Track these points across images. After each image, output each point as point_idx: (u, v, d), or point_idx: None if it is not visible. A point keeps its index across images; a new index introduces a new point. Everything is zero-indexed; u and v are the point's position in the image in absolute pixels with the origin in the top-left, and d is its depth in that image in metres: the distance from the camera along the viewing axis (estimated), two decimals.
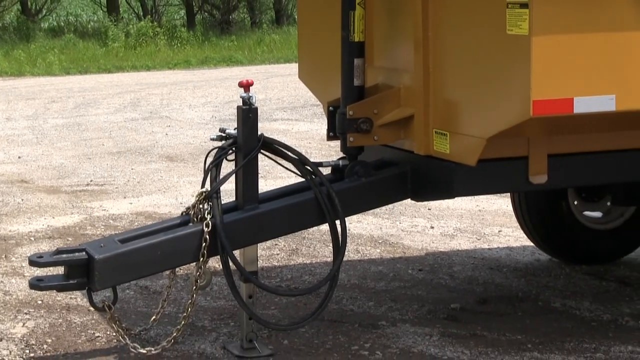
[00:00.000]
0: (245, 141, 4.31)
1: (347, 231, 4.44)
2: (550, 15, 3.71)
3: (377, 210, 6.55)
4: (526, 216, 5.78)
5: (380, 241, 6.43)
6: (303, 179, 4.44)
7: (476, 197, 7.21)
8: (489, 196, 7.30)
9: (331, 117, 4.67)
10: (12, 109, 13.51)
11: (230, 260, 4.23)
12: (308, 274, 5.72)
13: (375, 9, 4.54)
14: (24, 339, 4.63)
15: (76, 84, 16.82)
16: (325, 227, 4.47)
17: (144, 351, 4.28)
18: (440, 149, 4.25)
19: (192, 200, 4.35)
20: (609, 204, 5.73)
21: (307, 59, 5.33)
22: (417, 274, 5.70)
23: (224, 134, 4.40)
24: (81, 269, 4.15)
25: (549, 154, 4.24)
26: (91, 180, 8.52)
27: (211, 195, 4.26)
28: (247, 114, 4.31)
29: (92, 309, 4.44)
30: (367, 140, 4.46)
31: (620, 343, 4.54)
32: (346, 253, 4.77)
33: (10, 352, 4.46)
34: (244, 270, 4.31)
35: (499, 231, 6.66)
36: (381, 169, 4.53)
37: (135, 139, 10.86)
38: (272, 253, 6.12)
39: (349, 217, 4.51)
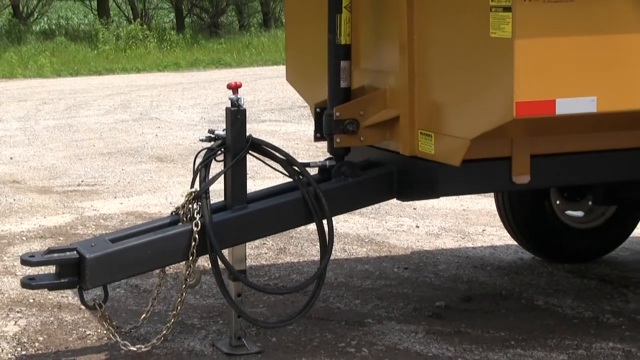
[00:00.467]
0: (234, 142, 4.30)
1: (334, 230, 4.44)
2: (532, 19, 3.72)
3: (364, 209, 6.55)
4: (509, 215, 5.79)
5: (366, 240, 6.44)
6: (291, 179, 4.44)
7: (460, 196, 7.22)
8: (473, 196, 7.31)
9: (318, 118, 4.67)
10: (4, 111, 13.47)
11: (219, 259, 4.23)
12: (296, 272, 5.71)
13: (362, 12, 4.54)
14: (16, 337, 4.62)
15: (67, 86, 16.78)
16: (312, 226, 4.47)
17: (134, 348, 4.28)
18: (425, 149, 4.26)
19: (182, 200, 4.35)
20: (590, 203, 5.74)
21: (295, 61, 5.33)
22: (403, 272, 5.71)
23: (212, 135, 4.40)
24: (72, 268, 4.14)
25: (531, 155, 4.25)
26: (82, 181, 8.50)
27: (200, 195, 4.25)
28: (236, 115, 4.30)
29: (83, 307, 4.42)
30: (354, 141, 4.46)
31: (601, 340, 4.56)
32: (333, 252, 4.76)
33: (2, 350, 4.45)
34: (233, 269, 4.30)
35: (483, 230, 6.67)
36: (367, 169, 4.54)
37: (125, 140, 10.84)
38: (260, 252, 6.11)
39: (336, 217, 4.51)
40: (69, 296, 5.16)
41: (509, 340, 4.56)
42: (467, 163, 4.11)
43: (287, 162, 4.42)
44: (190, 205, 4.27)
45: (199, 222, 4.20)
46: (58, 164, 9.39)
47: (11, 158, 9.70)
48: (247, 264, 4.49)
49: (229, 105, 4.33)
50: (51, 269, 4.26)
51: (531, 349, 4.44)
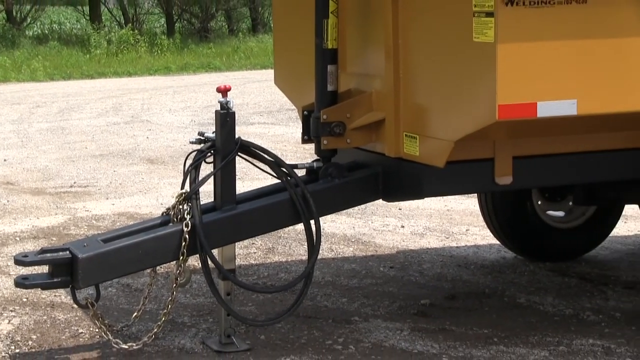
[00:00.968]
0: (223, 144, 4.30)
1: (322, 230, 4.44)
2: (514, 24, 3.73)
3: (350, 210, 6.56)
4: (492, 216, 5.79)
5: (353, 240, 6.44)
6: (279, 181, 4.44)
7: (445, 197, 7.22)
8: (457, 196, 7.32)
9: (306, 121, 4.67)
10: None
11: (209, 259, 4.22)
12: (284, 271, 5.71)
13: (348, 18, 4.54)
14: (10, 335, 4.60)
15: (60, 90, 16.73)
16: (300, 226, 4.47)
17: (126, 346, 4.26)
18: (410, 151, 4.26)
19: (172, 201, 4.34)
20: (570, 203, 5.76)
21: (283, 65, 5.32)
22: (389, 271, 5.71)
23: (202, 138, 4.39)
24: (65, 267, 4.13)
25: (513, 156, 4.25)
26: (75, 182, 8.48)
27: (190, 196, 4.24)
28: (225, 118, 4.30)
29: (75, 306, 4.41)
30: (340, 143, 4.46)
31: (581, 336, 4.57)
32: (320, 251, 4.76)
33: None
34: (222, 268, 4.30)
35: (467, 230, 6.68)
36: (354, 170, 4.54)
37: (117, 142, 10.81)
38: (249, 252, 6.11)
39: (323, 217, 4.51)
40: (62, 295, 5.15)
41: (492, 337, 4.56)
42: (451, 164, 4.12)
43: (276, 164, 4.42)
44: (180, 206, 4.27)
45: (189, 222, 4.19)
46: (51, 165, 9.36)
47: (5, 160, 9.67)
48: (236, 264, 4.49)
49: (219, 108, 4.32)
50: (44, 269, 4.24)
51: (513, 346, 4.45)
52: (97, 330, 4.41)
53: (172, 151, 10.13)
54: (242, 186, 5.10)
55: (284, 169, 4.42)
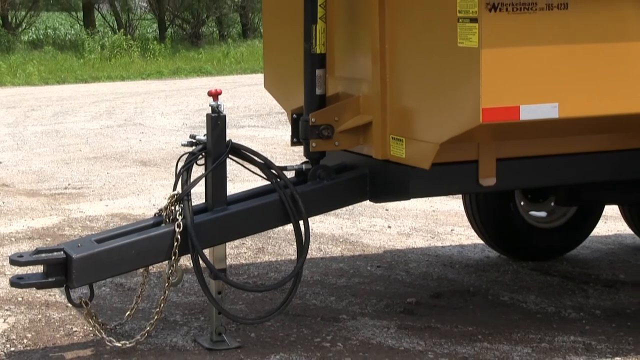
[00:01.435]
0: (214, 147, 4.29)
1: (310, 231, 4.43)
2: (497, 29, 3.73)
3: (338, 211, 6.55)
4: (477, 216, 5.80)
5: (341, 240, 6.43)
6: (269, 182, 4.44)
7: (430, 198, 7.23)
8: (442, 197, 7.33)
9: (295, 124, 4.67)
10: None
11: (200, 259, 4.21)
12: (274, 271, 5.70)
13: (336, 23, 4.54)
14: (5, 334, 4.58)
15: (54, 94, 16.68)
16: (289, 227, 4.46)
17: (119, 344, 4.25)
18: (396, 153, 4.26)
19: (165, 202, 4.33)
20: (552, 204, 5.77)
21: (272, 69, 5.32)
22: (376, 270, 5.71)
23: (194, 140, 4.39)
24: (59, 267, 4.11)
25: (497, 158, 4.26)
26: (69, 184, 8.45)
27: (182, 198, 4.24)
28: (216, 121, 4.30)
29: (69, 305, 4.40)
30: (329, 145, 4.46)
31: (563, 333, 4.58)
32: (309, 251, 4.76)
33: None
34: (214, 267, 4.29)
35: (452, 230, 6.69)
36: (342, 172, 4.54)
37: (110, 145, 10.78)
38: (239, 251, 6.10)
39: (312, 218, 4.50)
40: (56, 295, 5.13)
41: (476, 334, 4.57)
42: (436, 166, 4.12)
43: (265, 166, 4.42)
44: (172, 207, 4.26)
45: (181, 223, 4.19)
46: (46, 168, 9.33)
47: (0, 162, 9.63)
48: (227, 263, 4.48)
49: (210, 112, 4.32)
50: (39, 269, 4.23)
51: (497, 343, 4.45)
52: (91, 328, 4.39)
53: (165, 153, 10.11)
54: (233, 188, 5.09)
55: (274, 171, 4.42)
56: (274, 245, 6.26)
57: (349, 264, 5.85)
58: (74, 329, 4.65)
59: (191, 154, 4.34)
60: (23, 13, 27.54)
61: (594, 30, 3.86)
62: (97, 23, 28.05)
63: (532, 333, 4.58)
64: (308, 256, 4.79)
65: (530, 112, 3.83)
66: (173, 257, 4.20)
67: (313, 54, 4.44)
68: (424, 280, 5.50)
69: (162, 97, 15.94)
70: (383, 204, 7.05)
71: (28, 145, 10.87)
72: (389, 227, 6.80)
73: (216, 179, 4.32)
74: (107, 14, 29.45)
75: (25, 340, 4.51)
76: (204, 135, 4.35)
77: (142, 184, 8.44)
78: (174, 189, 4.30)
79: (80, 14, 28.79)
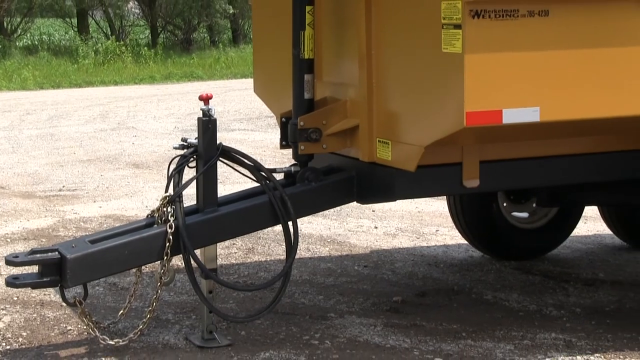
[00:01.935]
0: (205, 149, 4.29)
1: (299, 231, 4.43)
2: (481, 36, 3.74)
3: (326, 212, 6.55)
4: (461, 217, 5.81)
5: (329, 240, 6.43)
6: (258, 184, 4.43)
7: (416, 199, 7.24)
8: (427, 199, 7.33)
9: (284, 127, 4.66)
10: None
11: (191, 259, 4.21)
12: (263, 270, 5.70)
13: (324, 29, 4.54)
14: (1, 332, 4.56)
15: (49, 98, 16.63)
16: (279, 227, 4.46)
17: (113, 342, 4.24)
18: (382, 156, 4.26)
19: (157, 203, 4.32)
20: (534, 205, 5.78)
21: (262, 74, 5.32)
22: (363, 270, 5.71)
23: (185, 143, 4.38)
24: (54, 267, 4.10)
25: (480, 161, 4.26)
26: (63, 186, 8.42)
27: (174, 199, 4.23)
28: (207, 124, 4.29)
29: (64, 304, 4.38)
30: (317, 148, 4.46)
31: (544, 331, 4.58)
32: (298, 251, 4.76)
33: None
34: (205, 267, 4.29)
35: (437, 230, 6.70)
36: (330, 174, 4.53)
37: (104, 148, 10.76)
38: (230, 252, 6.09)
39: (300, 219, 4.50)
40: (51, 294, 5.11)
41: (461, 332, 4.57)
42: (421, 168, 4.12)
43: (255, 168, 4.41)
44: (164, 209, 4.25)
45: (172, 224, 4.18)
46: (41, 170, 9.30)
47: None
48: (218, 263, 4.47)
49: (201, 116, 4.31)
50: (34, 269, 4.21)
51: (481, 340, 4.46)
52: (85, 327, 4.38)
53: (157, 156, 10.09)
54: (223, 189, 5.08)
55: (263, 173, 4.41)
56: (264, 245, 6.25)
57: (336, 263, 5.85)
58: (69, 328, 4.63)
59: (183, 156, 4.33)
60: (18, 19, 27.46)
61: (574, 37, 3.87)
62: (90, 29, 27.98)
63: (515, 330, 4.59)
64: (297, 256, 4.79)
65: (512, 115, 3.84)
66: (165, 257, 4.19)
67: (301, 60, 4.44)
68: (409, 280, 5.51)
69: (155, 102, 15.90)
70: (370, 205, 7.05)
71: (23, 148, 10.84)
72: (376, 227, 6.80)
73: (207, 181, 4.31)
74: (100, 21, 29.38)
75: (20, 339, 4.49)
76: (196, 139, 4.35)
77: (134, 186, 8.42)
78: (166, 190, 4.29)
79: (75, 21, 28.71)
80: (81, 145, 11.03)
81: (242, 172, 4.46)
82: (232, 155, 4.41)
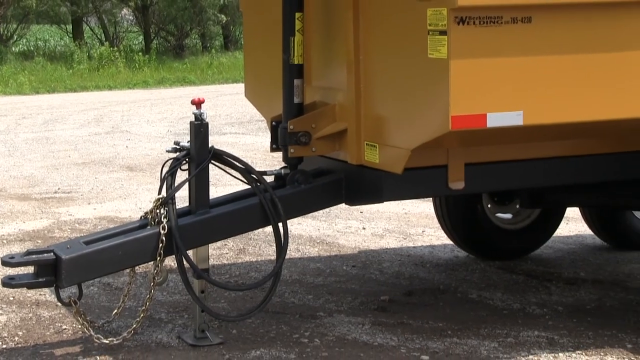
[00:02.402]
0: (198, 153, 4.28)
1: (289, 232, 4.43)
2: (465, 42, 3.74)
3: (316, 213, 6.55)
4: (446, 218, 5.81)
5: (318, 241, 6.43)
6: (249, 186, 4.43)
7: (402, 201, 7.24)
8: (414, 200, 7.34)
9: (274, 131, 4.66)
10: None
11: (184, 259, 4.20)
12: (254, 270, 5.69)
13: (313, 35, 4.54)
14: None
15: (45, 102, 16.58)
16: (269, 228, 4.46)
17: (107, 341, 4.23)
18: (370, 159, 4.27)
19: (150, 205, 4.31)
20: (517, 206, 5.79)
21: (253, 79, 5.31)
22: (351, 269, 5.71)
23: (178, 146, 4.37)
24: (49, 268, 4.09)
25: (465, 163, 4.27)
26: (59, 189, 8.40)
27: (167, 201, 4.22)
28: (199, 128, 4.28)
29: (59, 304, 4.36)
30: (306, 151, 4.45)
31: (527, 328, 4.59)
32: (288, 252, 4.75)
33: None
34: (197, 267, 4.28)
35: (423, 231, 6.70)
36: (319, 177, 4.53)
37: (98, 151, 10.73)
38: (222, 252, 6.08)
39: (290, 220, 4.50)
40: (46, 294, 5.09)
41: (446, 330, 4.58)
42: (408, 171, 4.13)
43: (246, 171, 4.41)
44: (157, 210, 4.24)
45: (165, 225, 4.17)
46: (36, 173, 9.27)
47: None
48: (209, 263, 4.46)
49: (193, 120, 4.30)
50: (30, 269, 4.20)
51: (466, 338, 4.46)
52: (79, 326, 4.36)
53: (150, 159, 10.07)
54: (215, 191, 5.07)
55: (254, 176, 4.41)
56: (255, 246, 6.25)
57: (325, 263, 5.85)
58: (64, 327, 4.62)
59: (175, 159, 4.32)
60: (14, 26, 27.37)
61: (556, 42, 3.88)
62: (85, 35, 27.92)
63: (499, 328, 4.59)
64: (287, 256, 4.79)
65: (496, 119, 3.84)
66: (158, 258, 4.18)
67: (291, 65, 4.44)
68: (396, 279, 5.51)
69: (148, 106, 15.87)
70: (358, 206, 7.05)
71: (19, 151, 10.80)
72: (364, 228, 6.80)
73: (199, 183, 4.30)
74: (95, 27, 29.32)
75: (16, 338, 4.47)
76: (188, 142, 4.34)
77: (128, 189, 8.40)
78: (159, 193, 4.28)
79: (70, 27, 28.64)
80: (76, 148, 11.00)
81: (233, 174, 4.46)
82: (224, 158, 4.40)
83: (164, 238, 4.16)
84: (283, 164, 4.57)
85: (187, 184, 4.31)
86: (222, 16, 26.68)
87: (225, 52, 26.70)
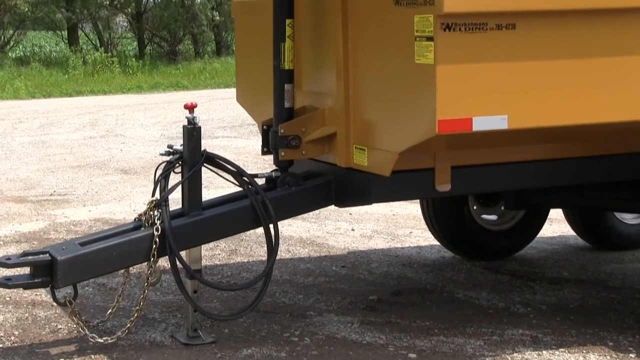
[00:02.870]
0: (190, 156, 4.27)
1: (280, 233, 4.42)
2: (452, 47, 3.75)
3: (306, 215, 6.55)
4: (433, 219, 5.82)
5: (308, 242, 6.43)
6: (241, 189, 4.42)
7: (390, 203, 7.24)
8: (401, 202, 7.34)
9: (265, 134, 4.65)
10: None
11: (177, 260, 4.19)
12: (246, 271, 5.68)
13: (303, 41, 4.54)
14: None
15: (41, 107, 16.53)
16: (260, 230, 4.45)
17: (102, 340, 4.22)
18: (359, 162, 4.27)
19: (144, 207, 4.30)
20: (502, 208, 5.80)
21: (244, 84, 5.31)
22: (340, 270, 5.71)
23: (171, 150, 4.36)
24: (45, 269, 4.07)
25: (452, 166, 4.27)
26: (54, 191, 8.37)
27: (160, 203, 4.21)
28: (192, 132, 4.28)
29: (55, 304, 4.35)
30: (297, 154, 4.45)
31: (512, 327, 4.60)
32: (279, 253, 4.74)
33: None
34: (190, 268, 4.27)
35: (410, 232, 6.70)
36: (309, 179, 4.53)
37: (93, 155, 10.70)
38: (214, 253, 6.07)
39: (281, 221, 4.49)
40: (42, 294, 5.07)
41: (433, 328, 4.58)
42: (396, 174, 4.13)
43: (238, 174, 4.40)
44: (151, 212, 4.23)
45: (159, 227, 4.16)
46: (32, 176, 9.24)
47: None
48: (202, 264, 4.45)
49: (186, 124, 4.30)
50: (26, 270, 4.18)
51: (452, 336, 4.46)
52: (74, 326, 4.35)
53: (144, 162, 10.05)
54: (208, 194, 5.06)
55: (246, 178, 4.40)
56: (246, 247, 6.24)
57: (315, 264, 5.84)
58: (59, 327, 4.60)
59: (169, 162, 4.31)
60: (11, 32, 27.29)
61: (539, 48, 3.89)
62: (80, 41, 27.85)
63: (484, 327, 4.60)
64: (277, 257, 4.78)
65: (481, 123, 3.85)
66: (152, 259, 4.17)
67: (282, 70, 4.44)
68: (384, 279, 5.51)
69: (142, 110, 15.84)
70: (347, 208, 7.03)
71: (16, 155, 10.76)
72: (353, 229, 6.80)
73: (192, 185, 4.30)
74: (90, 33, 29.26)
75: (12, 337, 4.46)
76: (181, 145, 4.33)
77: (123, 191, 8.38)
78: (153, 195, 4.27)
79: (65, 33, 28.57)
80: (71, 151, 10.97)
81: (225, 177, 4.45)
82: (216, 161, 4.39)
83: (157, 239, 4.15)
84: (274, 167, 4.57)
85: (180, 187, 4.31)
86: (216, 13, 26.65)
87: (217, 57, 26.68)
